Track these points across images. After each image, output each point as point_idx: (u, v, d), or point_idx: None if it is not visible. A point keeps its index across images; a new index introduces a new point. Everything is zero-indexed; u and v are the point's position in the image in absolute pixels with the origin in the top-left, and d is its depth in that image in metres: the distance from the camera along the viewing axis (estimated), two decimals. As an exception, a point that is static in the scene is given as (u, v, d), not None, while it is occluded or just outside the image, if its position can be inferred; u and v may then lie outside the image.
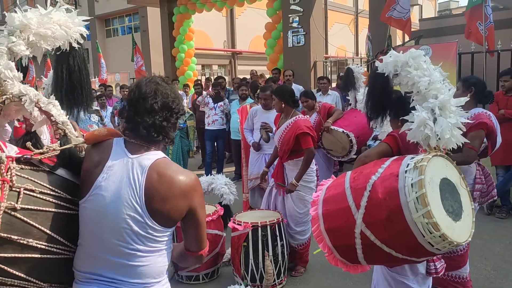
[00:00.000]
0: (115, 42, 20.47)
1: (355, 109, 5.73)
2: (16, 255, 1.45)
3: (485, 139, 3.22)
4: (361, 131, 5.41)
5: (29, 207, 1.47)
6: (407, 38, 8.91)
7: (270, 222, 3.67)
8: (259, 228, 3.63)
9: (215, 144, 7.99)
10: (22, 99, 1.67)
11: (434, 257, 2.46)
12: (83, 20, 1.82)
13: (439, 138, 2.10)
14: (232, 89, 9.13)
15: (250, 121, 5.31)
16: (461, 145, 2.21)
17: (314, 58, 9.81)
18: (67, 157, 1.65)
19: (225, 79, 9.67)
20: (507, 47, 6.86)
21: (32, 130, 1.80)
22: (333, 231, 2.15)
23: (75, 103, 1.86)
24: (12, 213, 1.43)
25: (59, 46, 1.78)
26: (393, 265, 2.36)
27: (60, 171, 1.65)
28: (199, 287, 3.92)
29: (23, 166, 1.53)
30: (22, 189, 1.46)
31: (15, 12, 1.70)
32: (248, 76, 10.57)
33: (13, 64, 1.65)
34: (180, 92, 9.64)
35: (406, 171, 1.94)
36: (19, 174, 1.49)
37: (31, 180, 1.52)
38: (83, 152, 1.70)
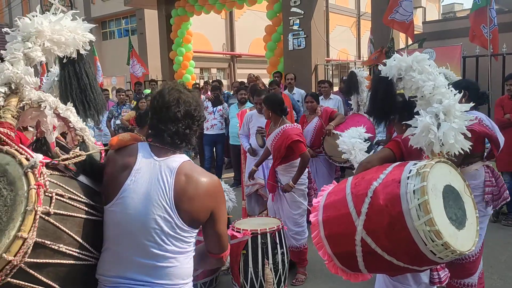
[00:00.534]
0: (111, 45, 20.51)
1: (358, 113, 5.72)
2: (47, 260, 1.47)
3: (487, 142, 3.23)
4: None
5: (61, 212, 1.51)
6: (410, 41, 8.95)
7: (270, 229, 3.67)
8: (259, 236, 3.63)
9: (214, 150, 8.00)
10: (41, 105, 1.72)
11: (438, 266, 2.46)
12: (82, 26, 1.87)
13: (443, 144, 2.10)
14: (232, 93, 9.15)
15: (245, 126, 5.36)
16: (468, 151, 2.20)
17: (315, 62, 9.84)
18: (87, 164, 1.70)
19: (221, 83, 9.69)
20: (512, 51, 6.89)
21: (55, 135, 1.84)
22: (333, 238, 2.15)
23: (90, 108, 1.91)
24: (46, 217, 1.46)
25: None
26: (394, 274, 2.35)
27: (81, 178, 1.70)
28: (197, 296, 3.92)
29: (51, 172, 1.57)
30: (54, 194, 1.50)
31: (27, 17, 1.76)
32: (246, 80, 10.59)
33: (32, 70, 1.70)
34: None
35: (408, 177, 1.94)
36: (49, 179, 1.53)
37: (60, 185, 1.56)
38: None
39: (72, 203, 1.57)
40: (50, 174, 1.55)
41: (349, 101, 6.19)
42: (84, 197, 1.62)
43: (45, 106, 1.73)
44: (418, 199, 1.85)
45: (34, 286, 1.46)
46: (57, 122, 1.78)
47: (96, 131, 7.61)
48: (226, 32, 20.55)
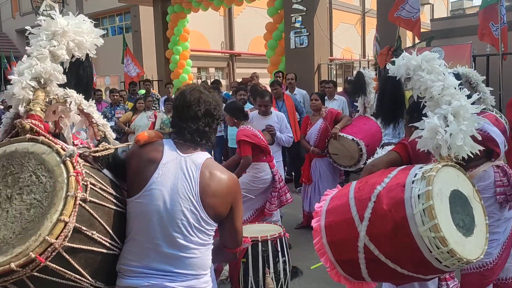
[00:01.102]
0: (105, 43, 20.26)
1: (364, 116, 5.66)
2: (81, 246, 1.58)
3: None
4: (371, 140, 5.34)
5: (95, 200, 1.65)
6: (417, 40, 8.95)
7: (271, 236, 3.66)
8: (259, 243, 3.60)
9: (212, 153, 8.00)
10: (67, 100, 1.88)
11: (447, 276, 2.45)
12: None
13: (450, 147, 2.09)
14: (230, 93, 9.15)
15: None
16: (478, 153, 2.19)
17: (318, 61, 9.84)
18: (111, 158, 1.85)
19: (219, 83, 9.68)
20: (524, 49, 6.90)
21: (74, 131, 2.05)
22: (335, 244, 2.14)
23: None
24: (83, 204, 1.59)
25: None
26: (399, 283, 2.34)
27: (104, 171, 1.84)
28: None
29: (84, 162, 1.72)
30: (88, 182, 1.64)
31: (51, 17, 1.91)
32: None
33: (60, 67, 1.86)
34: (173, 96, 9.65)
35: (413, 181, 1.93)
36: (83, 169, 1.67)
37: (91, 175, 1.70)
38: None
39: (102, 193, 1.71)
40: (83, 164, 1.69)
41: (355, 103, 6.17)
42: (111, 189, 1.76)
43: (71, 102, 1.87)
44: (422, 204, 1.84)
45: (67, 271, 1.56)
46: (77, 118, 1.94)
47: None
48: (224, 30, 20.58)
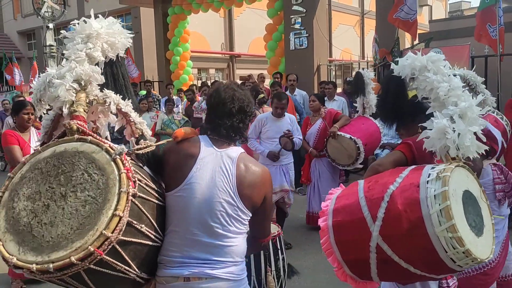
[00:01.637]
0: (105, 44, 20.52)
1: (363, 116, 5.69)
2: (131, 239, 1.66)
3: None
4: (369, 139, 5.39)
5: (142, 195, 1.73)
6: (416, 41, 8.95)
7: (271, 235, 3.66)
8: (261, 243, 3.61)
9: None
10: (107, 101, 1.98)
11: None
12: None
13: (458, 148, 2.08)
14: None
15: (257, 129, 5.15)
16: (484, 153, 2.18)
17: (317, 62, 9.84)
18: (150, 154, 1.94)
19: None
20: (522, 50, 6.90)
21: (116, 129, 2.25)
22: (344, 244, 2.11)
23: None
24: (133, 199, 1.66)
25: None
26: (408, 282, 2.33)
27: (145, 167, 1.93)
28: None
29: (130, 160, 1.79)
30: (136, 178, 1.71)
31: (84, 20, 2.01)
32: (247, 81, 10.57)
33: (99, 69, 1.95)
34: (175, 97, 9.65)
35: (427, 182, 1.92)
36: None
37: (137, 172, 1.77)
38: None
39: (147, 188, 1.80)
40: (130, 161, 1.77)
41: (354, 103, 6.18)
42: (152, 184, 1.85)
43: (110, 102, 1.98)
44: (439, 205, 1.83)
45: (118, 263, 1.63)
46: (114, 118, 2.08)
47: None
48: (225, 31, 20.57)
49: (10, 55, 16.29)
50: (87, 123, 1.91)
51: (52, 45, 14.05)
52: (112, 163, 1.69)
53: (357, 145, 5.26)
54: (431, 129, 2.13)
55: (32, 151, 4.29)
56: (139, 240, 1.71)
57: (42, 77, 4.86)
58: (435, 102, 2.22)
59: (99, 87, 1.99)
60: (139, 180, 1.74)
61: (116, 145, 1.78)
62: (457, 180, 1.95)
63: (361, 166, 8.33)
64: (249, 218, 1.94)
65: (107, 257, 1.58)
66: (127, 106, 2.04)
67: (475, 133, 2.13)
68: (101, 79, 1.96)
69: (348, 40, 22.59)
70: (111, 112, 2.03)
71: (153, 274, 1.88)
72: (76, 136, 1.79)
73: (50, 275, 1.56)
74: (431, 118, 2.16)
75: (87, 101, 1.93)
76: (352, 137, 5.29)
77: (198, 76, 18.61)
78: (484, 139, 2.17)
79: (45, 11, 13.78)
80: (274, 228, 3.80)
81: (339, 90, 9.19)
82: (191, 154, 1.90)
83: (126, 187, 1.63)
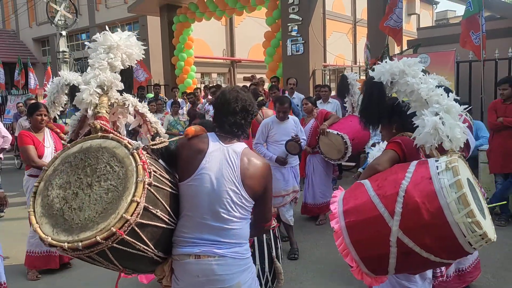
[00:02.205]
0: (115, 51, 20.46)
1: (353, 115, 5.83)
2: (148, 222, 1.80)
3: None
4: (356, 134, 5.48)
5: (156, 184, 1.86)
6: (405, 47, 8.96)
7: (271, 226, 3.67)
8: (265, 232, 3.62)
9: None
10: (126, 103, 2.18)
11: None
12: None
13: (451, 140, 2.09)
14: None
15: (264, 134, 4.86)
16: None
17: (313, 67, 9.87)
18: (164, 149, 2.10)
19: (221, 87, 9.65)
20: (504, 56, 6.91)
21: (130, 128, 2.44)
22: (360, 243, 2.08)
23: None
24: (149, 187, 1.79)
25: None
26: (421, 271, 2.32)
27: (160, 160, 2.07)
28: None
29: (146, 154, 1.93)
30: (152, 170, 1.85)
31: (106, 33, 2.16)
32: (247, 84, 10.57)
33: (119, 76, 2.11)
34: (180, 100, 9.64)
35: (438, 173, 1.94)
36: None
37: (152, 164, 1.91)
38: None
39: (162, 178, 1.92)
40: (145, 154, 1.90)
41: (344, 105, 6.25)
42: (166, 175, 1.99)
43: (129, 104, 2.18)
44: (455, 193, 1.86)
45: (138, 243, 1.76)
46: (132, 118, 2.25)
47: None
48: (226, 38, 20.57)
49: (26, 60, 16.26)
50: (109, 123, 2.05)
51: (65, 51, 14.03)
52: (130, 156, 1.83)
53: (344, 140, 5.41)
54: (423, 127, 2.14)
55: (45, 150, 4.30)
56: (155, 223, 1.84)
57: (55, 80, 4.90)
58: (417, 102, 2.24)
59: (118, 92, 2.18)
60: (154, 171, 1.87)
61: (133, 141, 1.91)
62: (462, 170, 1.97)
63: (353, 164, 8.36)
64: (252, 205, 2.06)
65: (127, 237, 1.71)
66: (143, 107, 2.22)
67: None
68: (121, 85, 2.13)
69: (342, 46, 22.59)
70: (129, 113, 2.22)
71: (169, 253, 2.03)
72: (99, 134, 1.95)
73: (79, 252, 1.69)
74: (422, 116, 2.16)
75: (109, 103, 2.10)
76: (339, 133, 5.44)
77: (201, 80, 18.60)
78: (468, 132, 2.19)
79: (58, 20, 13.76)
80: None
81: (333, 93, 9.20)
82: (201, 149, 2.03)
83: (142, 177, 1.77)
